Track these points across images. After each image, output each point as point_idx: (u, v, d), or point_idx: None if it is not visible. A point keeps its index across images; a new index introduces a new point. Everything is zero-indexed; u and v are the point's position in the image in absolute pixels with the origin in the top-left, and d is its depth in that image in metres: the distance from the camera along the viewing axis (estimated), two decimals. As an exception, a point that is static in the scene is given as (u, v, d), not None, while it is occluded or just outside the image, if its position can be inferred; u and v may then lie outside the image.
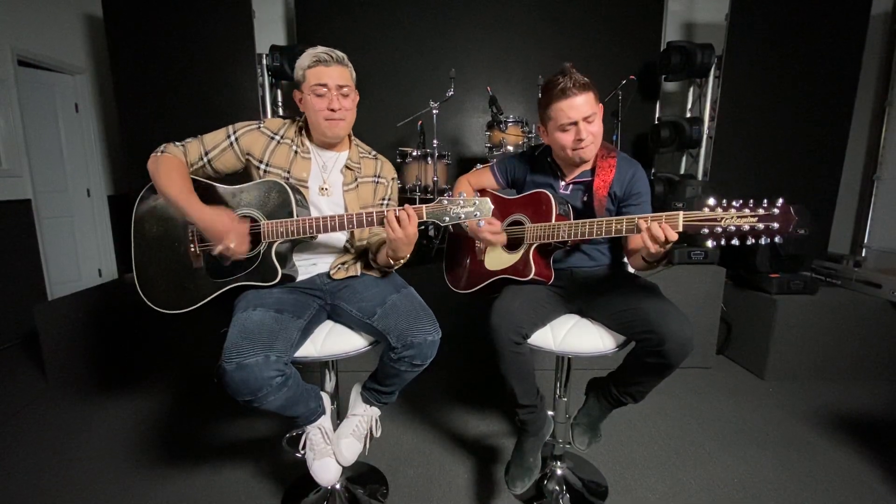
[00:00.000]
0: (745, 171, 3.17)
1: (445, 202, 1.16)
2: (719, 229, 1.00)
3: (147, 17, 3.05)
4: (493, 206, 1.15)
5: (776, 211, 0.95)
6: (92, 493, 1.56)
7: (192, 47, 3.11)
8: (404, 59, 3.54)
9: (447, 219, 1.16)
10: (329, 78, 1.25)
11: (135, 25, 3.06)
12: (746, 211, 0.98)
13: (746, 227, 0.97)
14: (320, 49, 1.27)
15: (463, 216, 1.15)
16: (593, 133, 1.31)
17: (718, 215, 1.00)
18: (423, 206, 1.18)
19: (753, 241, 0.98)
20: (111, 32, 3.07)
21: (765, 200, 0.97)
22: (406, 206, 1.19)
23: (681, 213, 1.05)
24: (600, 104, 1.33)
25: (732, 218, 0.98)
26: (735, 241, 1.00)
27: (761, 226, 0.96)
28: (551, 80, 1.30)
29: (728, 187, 3.08)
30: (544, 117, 1.36)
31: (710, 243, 1.02)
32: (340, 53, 1.29)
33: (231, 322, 1.17)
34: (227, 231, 1.19)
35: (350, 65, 1.31)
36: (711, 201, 1.02)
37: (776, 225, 0.95)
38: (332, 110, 1.27)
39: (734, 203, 0.99)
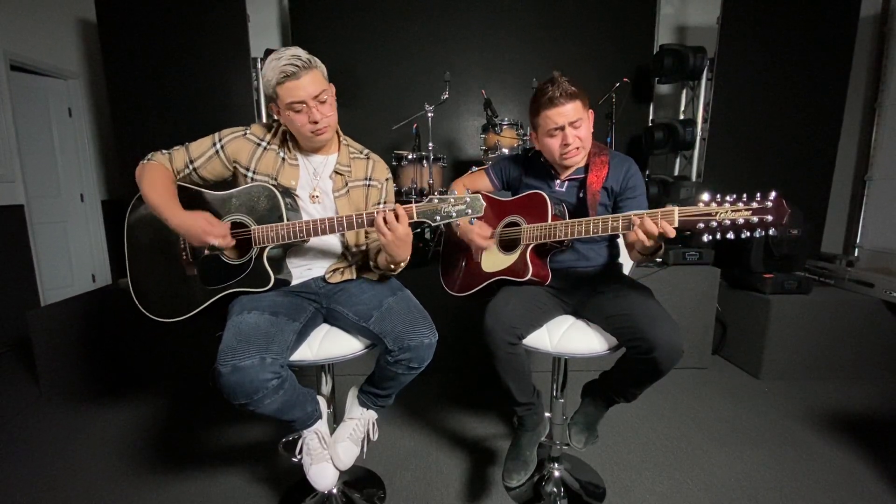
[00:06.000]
0: (739, 173, 3.19)
1: (436, 201, 1.15)
2: (714, 223, 1.01)
3: (141, 22, 3.04)
4: (484, 204, 1.15)
5: (769, 204, 0.96)
6: (86, 500, 1.54)
7: (187, 51, 3.10)
8: (399, 63, 3.54)
9: (438, 218, 1.15)
10: (303, 91, 1.17)
11: (128, 30, 3.04)
12: (740, 205, 0.99)
13: (741, 221, 0.98)
14: (284, 59, 1.15)
15: (455, 214, 1.14)
16: (580, 137, 1.34)
17: (713, 210, 1.02)
18: (414, 205, 1.17)
19: (749, 233, 0.99)
20: (105, 37, 3.05)
21: (758, 194, 0.98)
22: (396, 205, 1.16)
23: (676, 208, 1.06)
24: (590, 110, 1.36)
25: (727, 212, 1.00)
26: (730, 235, 1.01)
27: (755, 219, 0.97)
28: (540, 88, 1.34)
29: (722, 188, 3.08)
30: (534, 124, 1.41)
31: (705, 238, 1.03)
32: (306, 56, 1.18)
33: (226, 325, 1.16)
34: (203, 231, 1.18)
35: (319, 63, 1.22)
36: (706, 196, 1.03)
37: (770, 217, 0.95)
38: (315, 122, 1.22)
39: (728, 198, 1.01)
